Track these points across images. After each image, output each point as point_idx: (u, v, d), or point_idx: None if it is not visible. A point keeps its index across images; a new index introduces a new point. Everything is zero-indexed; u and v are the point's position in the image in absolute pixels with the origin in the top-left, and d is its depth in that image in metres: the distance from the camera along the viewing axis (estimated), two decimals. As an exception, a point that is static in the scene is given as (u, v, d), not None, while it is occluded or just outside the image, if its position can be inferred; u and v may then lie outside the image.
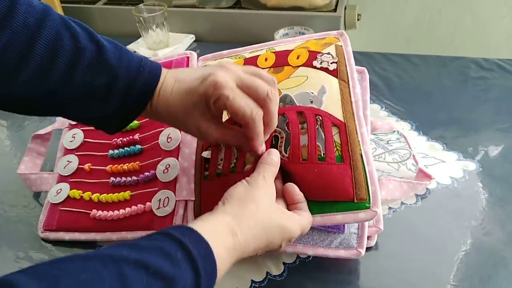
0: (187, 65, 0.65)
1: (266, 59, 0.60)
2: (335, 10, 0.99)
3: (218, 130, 0.45)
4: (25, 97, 0.41)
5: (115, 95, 0.42)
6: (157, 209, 0.54)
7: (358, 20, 1.06)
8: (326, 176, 0.48)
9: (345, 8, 1.03)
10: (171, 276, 0.31)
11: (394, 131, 0.68)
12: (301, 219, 0.44)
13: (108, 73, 0.41)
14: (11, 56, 0.38)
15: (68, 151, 0.62)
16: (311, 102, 0.51)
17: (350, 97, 0.54)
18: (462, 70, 0.85)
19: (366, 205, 0.47)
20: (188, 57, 0.65)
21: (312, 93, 0.52)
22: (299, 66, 0.57)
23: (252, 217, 0.40)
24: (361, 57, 0.90)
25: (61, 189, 0.60)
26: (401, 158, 0.66)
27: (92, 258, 0.30)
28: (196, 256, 0.33)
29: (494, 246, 0.53)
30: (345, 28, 1.04)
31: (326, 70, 0.56)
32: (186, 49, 1.02)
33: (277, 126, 0.49)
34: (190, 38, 1.05)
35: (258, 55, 0.61)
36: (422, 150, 0.67)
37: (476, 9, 1.19)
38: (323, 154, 0.49)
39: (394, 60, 0.90)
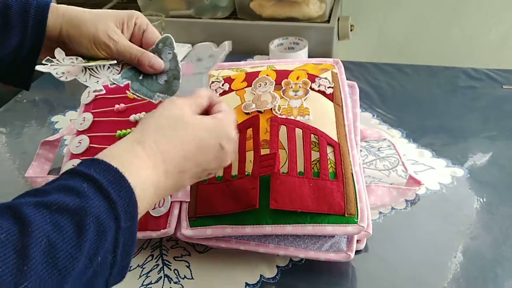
0: None
1: (267, 76, 0.63)
2: (328, 21, 1.01)
3: (123, 41, 0.48)
4: None
5: (13, 19, 0.45)
6: (152, 209, 0.55)
7: (351, 31, 1.09)
8: (320, 190, 0.51)
9: (338, 19, 1.05)
10: (77, 208, 0.30)
11: (384, 139, 0.70)
12: (225, 114, 0.42)
13: None
14: None
15: (74, 156, 0.63)
16: (209, 56, 0.51)
17: (343, 120, 0.59)
18: (452, 79, 0.87)
19: (355, 219, 0.50)
20: (184, 66, 0.67)
21: (215, 48, 0.52)
22: None
23: (157, 118, 0.39)
24: (353, 67, 0.92)
25: None
26: (391, 165, 0.67)
27: None
28: (105, 184, 0.32)
29: (481, 249, 0.54)
30: (338, 38, 1.07)
31: (323, 93, 0.60)
32: (183, 59, 1.04)
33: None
34: (187, 47, 1.06)
35: (259, 71, 0.64)
36: (411, 157, 0.69)
37: (464, 22, 1.21)
38: (318, 170, 0.52)
39: (385, 69, 0.92)
